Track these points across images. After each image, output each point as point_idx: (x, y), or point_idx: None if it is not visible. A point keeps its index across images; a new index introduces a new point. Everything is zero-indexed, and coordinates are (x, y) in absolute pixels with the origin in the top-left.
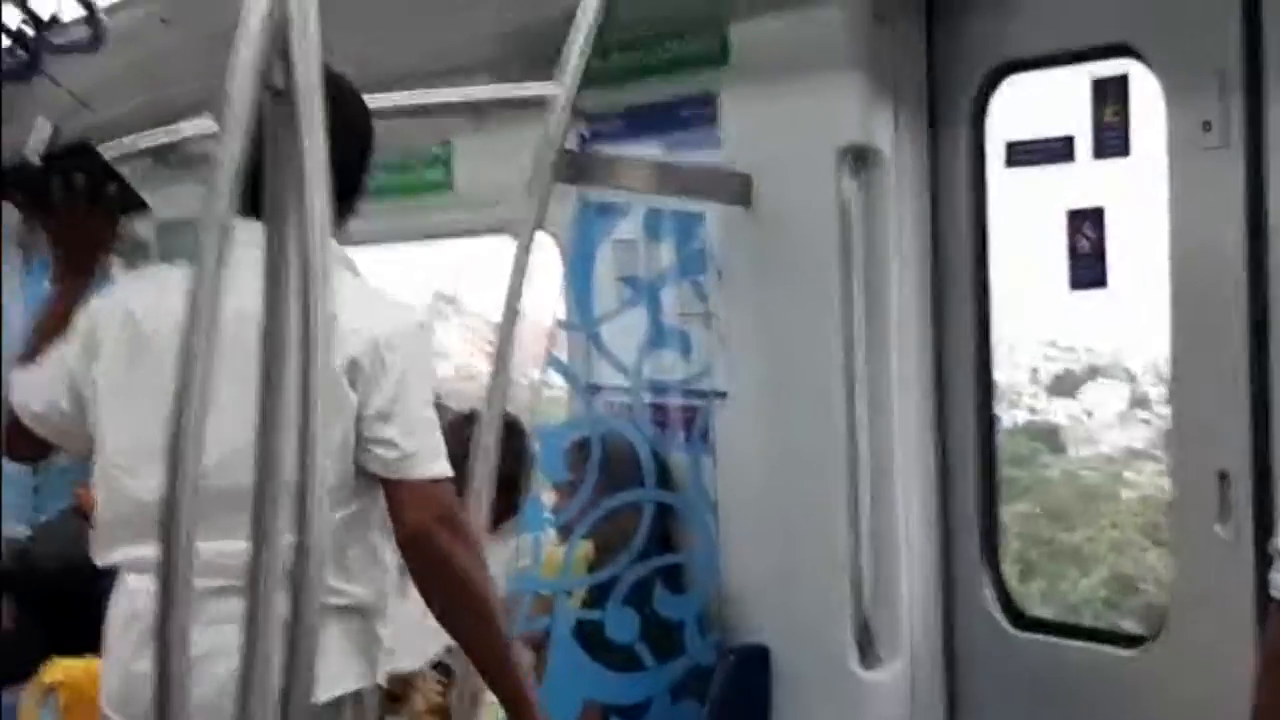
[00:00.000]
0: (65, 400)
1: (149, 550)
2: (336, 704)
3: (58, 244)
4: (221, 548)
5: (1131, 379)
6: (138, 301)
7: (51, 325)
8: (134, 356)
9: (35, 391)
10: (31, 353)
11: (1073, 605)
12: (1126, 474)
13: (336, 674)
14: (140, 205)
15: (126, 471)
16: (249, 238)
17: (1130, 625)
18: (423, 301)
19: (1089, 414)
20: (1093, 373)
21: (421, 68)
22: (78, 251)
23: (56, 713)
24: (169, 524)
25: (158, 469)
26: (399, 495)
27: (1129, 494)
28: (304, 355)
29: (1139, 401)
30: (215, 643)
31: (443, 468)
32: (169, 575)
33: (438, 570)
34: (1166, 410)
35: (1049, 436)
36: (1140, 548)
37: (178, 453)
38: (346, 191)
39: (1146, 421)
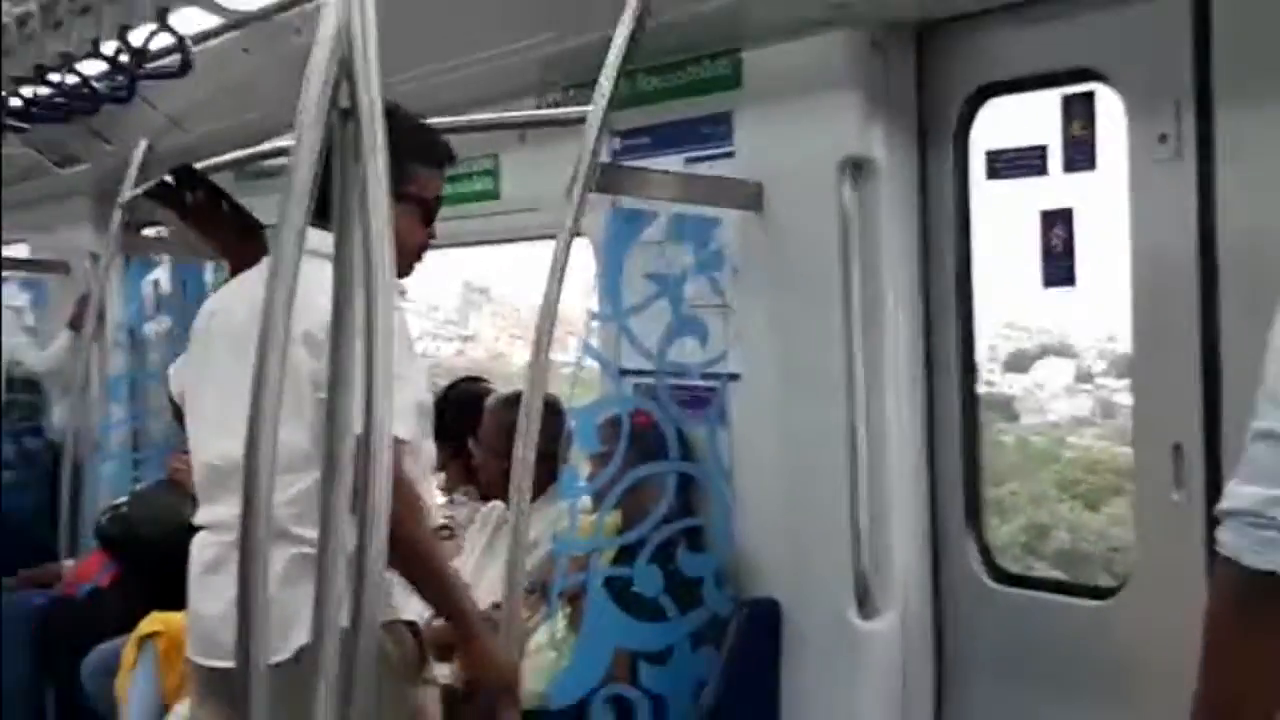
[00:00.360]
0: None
1: (219, 509)
2: (398, 633)
3: (211, 243)
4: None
5: (1076, 357)
6: (217, 302)
7: None
8: (208, 348)
9: (175, 379)
10: None
11: (997, 548)
12: (1070, 439)
13: (398, 605)
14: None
15: (202, 444)
16: (316, 243)
17: (1043, 568)
18: (455, 290)
19: (1039, 386)
20: (1043, 351)
21: (475, 93)
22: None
23: (154, 660)
24: (249, 484)
25: (228, 439)
26: None
27: (1070, 455)
28: (367, 342)
29: (1083, 376)
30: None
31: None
32: (249, 526)
33: None
34: (1107, 383)
35: (1003, 407)
36: (1056, 500)
37: (256, 425)
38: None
39: (1088, 393)
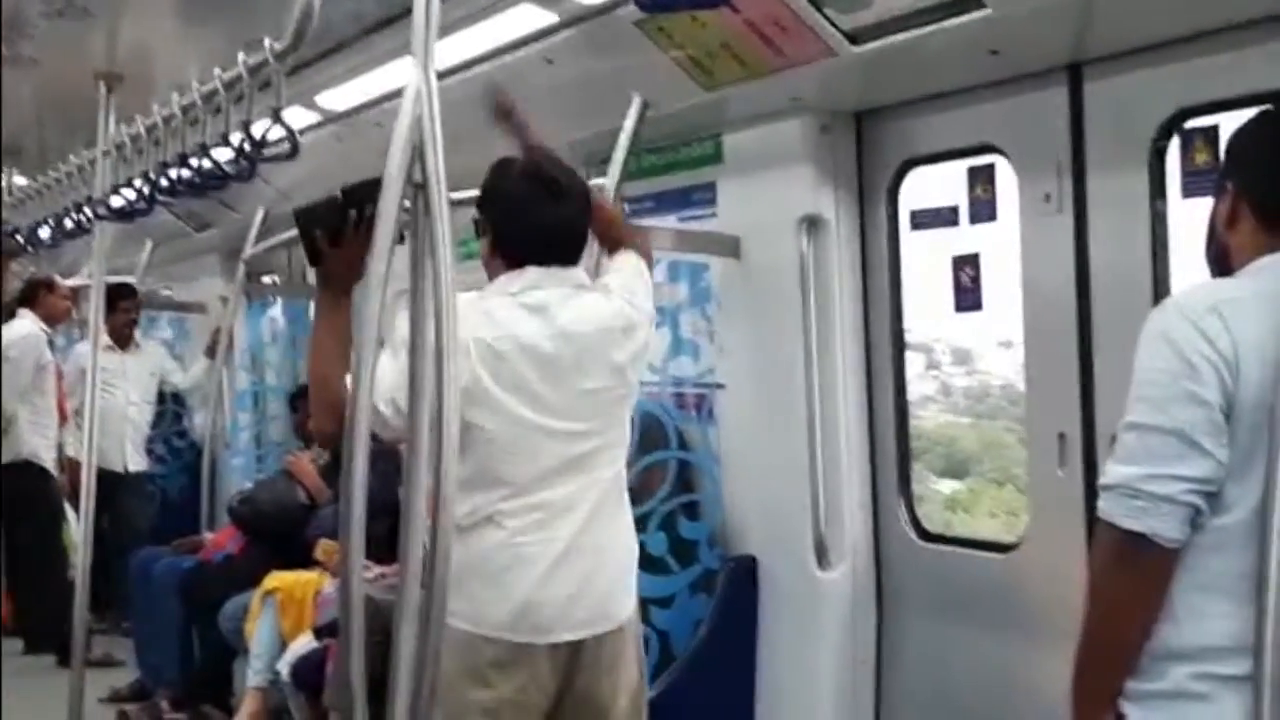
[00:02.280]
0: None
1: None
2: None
3: (331, 275)
4: None
5: (929, 351)
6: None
7: (336, 342)
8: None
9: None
10: (328, 367)
11: None
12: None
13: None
14: (400, 239)
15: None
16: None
17: None
18: None
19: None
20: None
21: None
22: (346, 279)
23: (275, 610)
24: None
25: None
26: None
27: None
28: (437, 364)
29: (932, 365)
30: None
31: None
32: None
33: None
34: (951, 369)
35: None
36: None
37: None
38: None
39: (935, 378)
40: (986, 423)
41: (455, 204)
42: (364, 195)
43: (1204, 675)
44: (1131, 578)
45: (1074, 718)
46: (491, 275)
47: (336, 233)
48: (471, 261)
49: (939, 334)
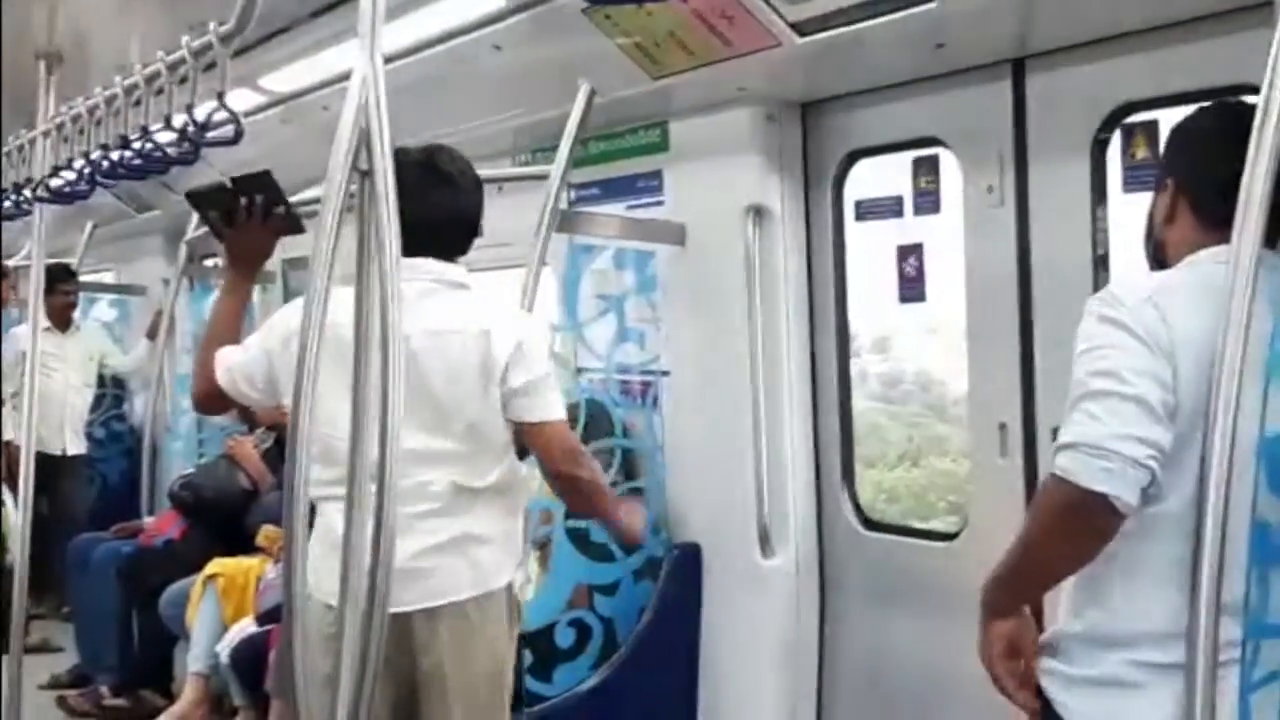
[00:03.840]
0: (260, 378)
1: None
2: (509, 594)
3: (232, 255)
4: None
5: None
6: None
7: (227, 319)
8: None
9: (239, 369)
10: (213, 340)
11: None
12: None
13: (507, 571)
14: (298, 227)
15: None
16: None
17: None
18: None
19: None
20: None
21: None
22: (248, 262)
23: (216, 595)
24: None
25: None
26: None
27: None
28: (382, 352)
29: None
30: None
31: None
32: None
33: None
34: (870, 357)
35: None
36: None
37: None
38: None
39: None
40: (883, 406)
41: None
42: (254, 186)
43: (1137, 663)
44: (1079, 538)
45: (983, 623)
46: None
47: (229, 215)
48: None
49: (862, 324)
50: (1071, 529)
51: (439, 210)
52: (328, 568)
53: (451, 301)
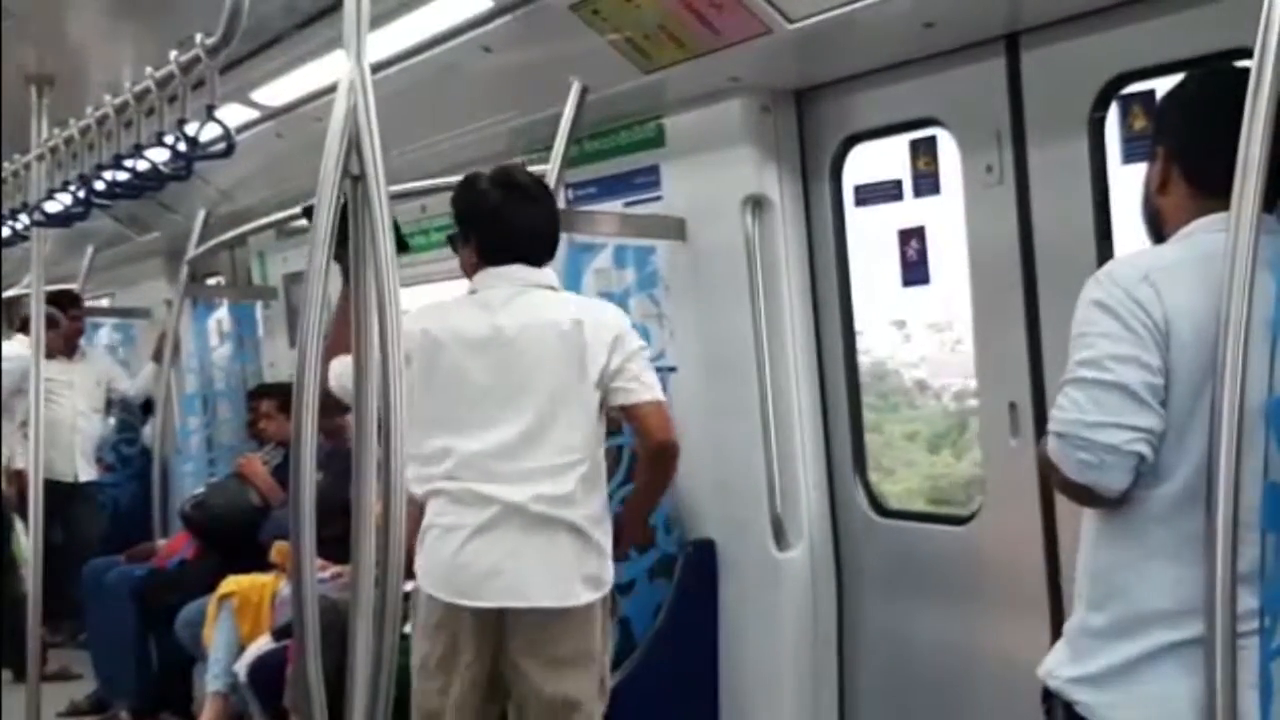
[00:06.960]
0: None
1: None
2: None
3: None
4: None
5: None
6: (429, 322)
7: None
8: (431, 359)
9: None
10: (334, 346)
11: None
12: None
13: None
14: (405, 247)
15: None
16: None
17: None
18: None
19: None
20: None
21: (460, 158)
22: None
23: (232, 614)
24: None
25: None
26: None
27: None
28: (382, 353)
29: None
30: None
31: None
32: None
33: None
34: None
35: None
36: None
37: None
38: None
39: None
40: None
41: (394, 196)
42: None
43: (1161, 645)
44: (1088, 505)
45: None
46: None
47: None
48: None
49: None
50: (1076, 500)
51: (524, 223)
52: (435, 560)
53: (543, 299)
